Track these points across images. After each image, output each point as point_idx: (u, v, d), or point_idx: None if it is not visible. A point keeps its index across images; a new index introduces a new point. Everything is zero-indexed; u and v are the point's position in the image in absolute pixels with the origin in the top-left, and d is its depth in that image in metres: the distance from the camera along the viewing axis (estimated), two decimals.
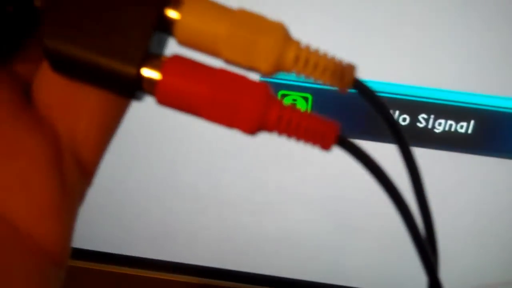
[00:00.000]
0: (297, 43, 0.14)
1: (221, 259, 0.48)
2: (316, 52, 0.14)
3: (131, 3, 0.14)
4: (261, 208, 0.44)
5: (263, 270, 0.48)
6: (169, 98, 0.14)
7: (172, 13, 0.14)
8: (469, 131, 0.39)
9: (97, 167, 0.16)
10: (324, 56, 0.14)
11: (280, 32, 0.14)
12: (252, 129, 0.14)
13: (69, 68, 0.14)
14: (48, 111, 0.15)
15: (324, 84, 0.14)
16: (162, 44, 0.15)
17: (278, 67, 0.14)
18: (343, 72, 0.14)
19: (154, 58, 0.14)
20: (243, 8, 0.14)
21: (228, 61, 0.14)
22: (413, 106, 0.39)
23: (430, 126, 0.39)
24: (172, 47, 0.15)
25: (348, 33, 0.38)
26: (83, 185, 0.16)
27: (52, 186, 0.14)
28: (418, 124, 0.39)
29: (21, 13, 0.14)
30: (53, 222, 0.14)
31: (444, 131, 0.39)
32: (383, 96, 0.37)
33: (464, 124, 0.39)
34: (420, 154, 0.38)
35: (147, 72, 0.14)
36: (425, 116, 0.39)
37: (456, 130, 0.39)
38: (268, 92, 0.14)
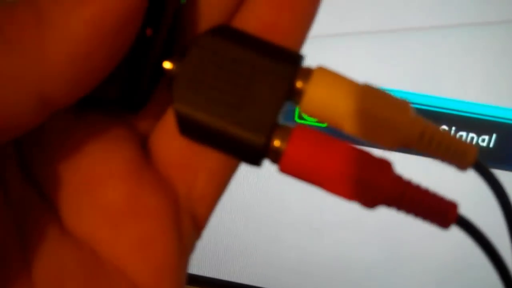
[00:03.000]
0: (421, 121, 0.14)
1: (272, 279, 0.48)
2: (439, 130, 0.14)
3: (263, 74, 0.14)
4: (317, 232, 0.44)
5: None
6: (292, 169, 0.14)
7: (300, 84, 0.14)
8: (491, 144, 0.40)
9: (208, 221, 0.16)
10: (447, 134, 0.14)
11: (407, 111, 0.14)
12: (373, 205, 0.14)
13: (197, 133, 0.14)
14: (168, 169, 0.15)
15: (443, 162, 0.15)
16: (283, 112, 0.15)
17: (402, 144, 0.14)
18: (465, 151, 0.14)
19: (280, 128, 0.14)
20: (368, 83, 0.14)
21: (350, 134, 0.14)
22: (434, 117, 0.39)
23: None
24: None
25: (376, 43, 0.38)
26: (195, 240, 0.16)
27: (172, 246, 0.15)
28: None
29: (158, 66, 0.14)
30: (170, 281, 0.15)
31: None
32: None
33: (486, 137, 0.40)
34: (439, 167, 0.39)
35: (275, 143, 0.14)
36: (446, 127, 0.40)
37: (477, 143, 0.40)
38: (392, 169, 0.14)
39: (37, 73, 0.12)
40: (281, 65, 0.14)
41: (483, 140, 0.40)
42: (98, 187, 0.15)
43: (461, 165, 0.15)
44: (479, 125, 0.40)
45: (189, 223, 0.15)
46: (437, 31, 0.37)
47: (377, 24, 0.38)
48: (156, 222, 0.15)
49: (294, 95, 0.14)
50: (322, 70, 0.14)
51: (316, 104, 0.14)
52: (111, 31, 0.12)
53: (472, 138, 0.40)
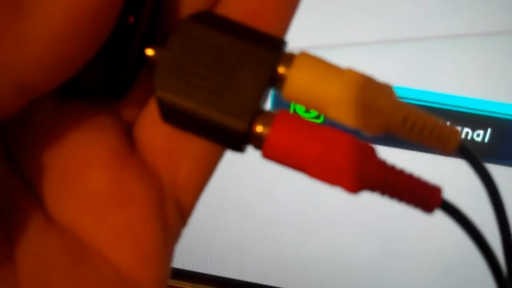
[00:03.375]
0: (404, 105, 0.14)
1: (266, 275, 0.48)
2: (422, 114, 0.14)
3: (245, 60, 0.14)
4: (310, 228, 0.44)
5: None
6: (275, 154, 0.14)
7: (282, 70, 0.14)
8: (486, 139, 0.40)
9: (194, 209, 0.16)
10: (430, 118, 0.14)
11: (390, 95, 0.14)
12: (356, 190, 0.14)
13: (180, 120, 0.14)
14: (152, 157, 0.15)
15: (427, 147, 0.15)
16: (265, 98, 0.15)
17: (385, 129, 0.14)
18: (448, 135, 0.14)
19: (263, 114, 0.14)
20: (351, 67, 0.14)
21: (333, 120, 0.14)
22: (429, 112, 0.39)
23: None
24: None
25: (367, 35, 0.38)
26: (180, 227, 0.16)
27: (156, 233, 0.15)
28: None
29: (140, 51, 0.14)
30: (155, 268, 0.15)
31: None
32: None
33: (481, 132, 0.40)
34: (435, 161, 0.39)
35: (258, 128, 0.14)
36: None
37: (472, 138, 0.40)
38: (375, 153, 0.14)
39: (15, 60, 0.12)
40: (263, 51, 0.14)
41: (478, 135, 0.40)
42: (82, 175, 0.14)
43: (446, 150, 0.15)
44: (474, 120, 0.39)
45: (174, 210, 0.15)
46: (434, 30, 0.37)
47: (374, 31, 0.38)
48: (140, 210, 0.15)
49: (277, 81, 0.14)
50: (305, 55, 0.14)
51: (299, 90, 0.14)
52: (90, 16, 0.12)
53: (467, 133, 0.40)
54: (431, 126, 0.14)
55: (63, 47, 0.12)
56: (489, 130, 0.40)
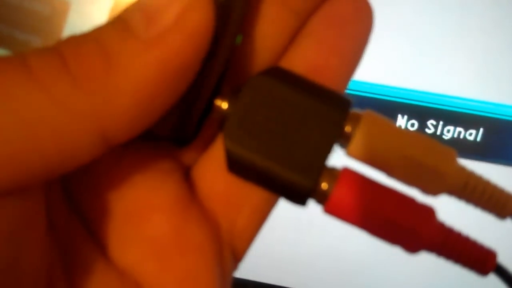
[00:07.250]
0: (466, 170, 0.15)
1: (261, 273, 0.48)
2: (482, 180, 0.15)
3: (314, 117, 0.14)
4: (305, 226, 0.44)
5: (303, 286, 0.48)
6: (337, 211, 0.14)
7: (349, 129, 0.14)
8: (478, 139, 0.40)
9: (246, 254, 0.16)
10: (489, 183, 0.15)
11: (453, 159, 0.14)
12: (415, 250, 0.14)
13: (246, 171, 0.14)
14: (211, 203, 0.15)
15: (483, 210, 0.15)
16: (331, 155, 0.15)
17: (446, 191, 0.15)
18: (506, 201, 0.15)
19: (328, 171, 0.14)
20: (416, 131, 0.14)
21: (396, 179, 0.15)
22: (422, 112, 0.39)
23: (438, 132, 0.40)
24: None
25: None
26: (233, 272, 0.16)
27: (215, 280, 0.15)
28: (427, 130, 0.40)
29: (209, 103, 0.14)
30: None
31: (452, 138, 0.40)
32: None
33: (473, 131, 0.40)
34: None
35: (323, 186, 0.14)
36: (433, 122, 0.40)
37: (465, 137, 0.40)
38: (435, 216, 0.14)
39: (102, 111, 0.12)
40: (332, 109, 0.14)
41: (470, 134, 0.40)
42: (144, 219, 0.14)
43: (501, 214, 0.15)
44: (466, 119, 0.40)
45: (230, 257, 0.15)
46: (424, 26, 0.38)
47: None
48: (201, 257, 0.15)
49: (342, 138, 0.14)
50: (371, 115, 0.14)
51: (364, 149, 0.14)
52: (175, 74, 0.12)
53: (460, 133, 0.40)
54: (490, 191, 0.15)
55: (148, 101, 0.12)
56: (481, 130, 0.40)
